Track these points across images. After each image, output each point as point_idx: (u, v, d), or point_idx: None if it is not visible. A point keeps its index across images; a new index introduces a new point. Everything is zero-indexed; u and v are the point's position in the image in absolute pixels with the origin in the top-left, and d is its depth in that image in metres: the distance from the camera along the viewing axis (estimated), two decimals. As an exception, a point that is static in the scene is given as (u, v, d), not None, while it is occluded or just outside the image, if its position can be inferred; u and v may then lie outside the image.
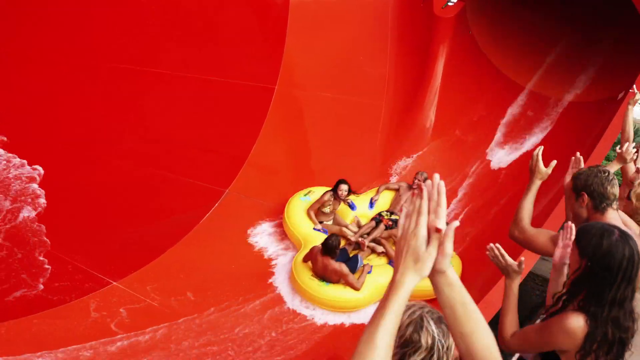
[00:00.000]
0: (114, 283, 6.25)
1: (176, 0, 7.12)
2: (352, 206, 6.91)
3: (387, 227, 6.37)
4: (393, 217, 6.54)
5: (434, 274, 1.17)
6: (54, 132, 6.35)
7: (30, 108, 6.24)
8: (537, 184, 2.69)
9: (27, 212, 5.81)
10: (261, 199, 7.14)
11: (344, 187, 6.61)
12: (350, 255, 5.93)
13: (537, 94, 9.35)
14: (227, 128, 7.42)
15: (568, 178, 2.73)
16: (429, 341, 1.47)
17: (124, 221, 6.60)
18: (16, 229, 5.71)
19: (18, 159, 5.97)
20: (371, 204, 6.99)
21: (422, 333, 1.48)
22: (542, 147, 2.73)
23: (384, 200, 7.09)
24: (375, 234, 6.27)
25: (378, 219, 6.46)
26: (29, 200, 5.88)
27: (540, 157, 2.69)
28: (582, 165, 2.75)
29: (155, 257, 6.46)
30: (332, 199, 6.61)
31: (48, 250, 5.70)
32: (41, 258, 5.64)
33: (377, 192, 7.13)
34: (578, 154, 2.79)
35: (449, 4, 8.93)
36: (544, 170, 2.67)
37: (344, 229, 6.36)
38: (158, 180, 6.99)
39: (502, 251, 2.38)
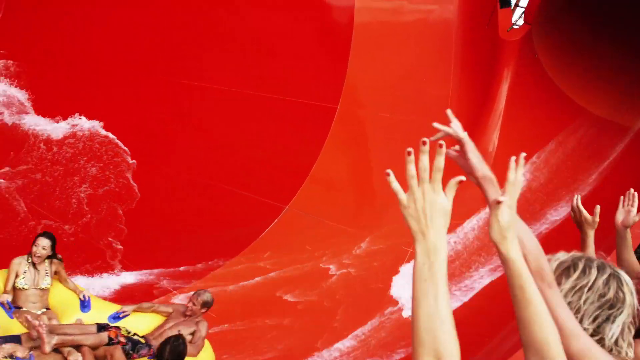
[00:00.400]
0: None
1: (243, 25, 7.31)
2: (84, 304, 4.82)
3: (111, 341, 4.24)
4: (135, 337, 4.50)
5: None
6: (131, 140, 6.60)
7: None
8: (590, 235, 2.50)
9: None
10: (322, 216, 7.03)
11: (41, 242, 4.42)
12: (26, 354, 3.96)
13: (605, 120, 8.98)
14: (289, 145, 7.44)
15: (620, 217, 2.57)
16: (630, 298, 1.29)
17: (181, 231, 6.67)
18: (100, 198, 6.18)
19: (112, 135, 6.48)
20: (116, 316, 4.83)
21: (624, 289, 1.30)
22: (579, 195, 2.61)
23: (147, 324, 4.94)
24: (83, 339, 4.14)
25: (104, 325, 4.45)
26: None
27: (581, 208, 2.50)
28: (637, 201, 2.58)
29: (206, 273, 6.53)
30: (28, 264, 4.46)
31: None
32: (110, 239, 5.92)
33: (136, 307, 4.97)
34: (632, 190, 2.61)
35: (515, 27, 8.79)
36: (591, 219, 2.48)
37: (43, 318, 4.19)
38: (218, 193, 7.04)
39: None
